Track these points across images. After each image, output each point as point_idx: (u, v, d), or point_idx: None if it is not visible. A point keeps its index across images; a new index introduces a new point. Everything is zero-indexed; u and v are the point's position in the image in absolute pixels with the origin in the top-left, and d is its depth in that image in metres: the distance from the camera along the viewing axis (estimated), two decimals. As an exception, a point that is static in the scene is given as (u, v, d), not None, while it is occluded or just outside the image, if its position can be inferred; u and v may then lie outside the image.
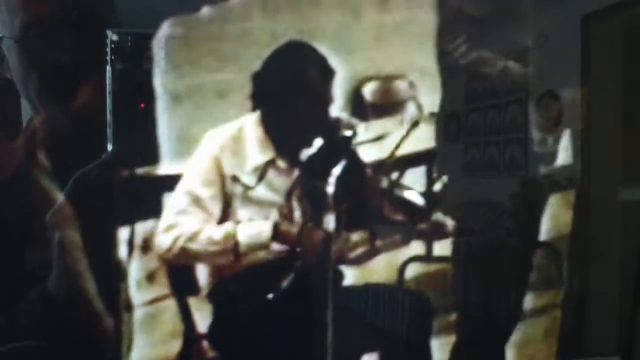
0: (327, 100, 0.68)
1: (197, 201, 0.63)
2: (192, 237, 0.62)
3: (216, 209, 0.64)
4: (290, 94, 0.66)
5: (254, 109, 0.65)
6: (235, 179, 0.64)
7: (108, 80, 0.56)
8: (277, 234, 0.64)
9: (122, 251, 0.57)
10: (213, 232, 0.63)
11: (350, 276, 0.79)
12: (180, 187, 0.60)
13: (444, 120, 0.83)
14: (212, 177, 0.63)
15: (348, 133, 0.70)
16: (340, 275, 0.77)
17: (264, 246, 0.64)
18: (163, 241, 0.60)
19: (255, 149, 0.66)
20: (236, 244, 0.63)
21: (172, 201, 0.61)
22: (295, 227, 0.65)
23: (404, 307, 0.90)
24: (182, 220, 0.62)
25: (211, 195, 0.63)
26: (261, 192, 0.65)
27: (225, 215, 0.65)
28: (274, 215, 0.67)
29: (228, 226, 0.64)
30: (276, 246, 0.64)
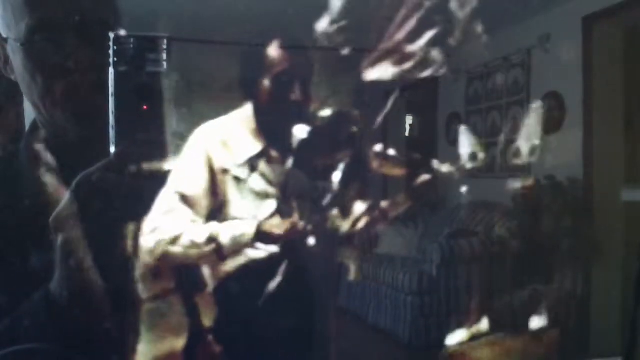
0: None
1: (184, 199, 0.62)
2: (174, 240, 0.61)
3: (206, 204, 0.63)
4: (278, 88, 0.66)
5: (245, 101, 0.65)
6: (226, 172, 0.64)
7: (111, 83, 0.56)
8: (260, 235, 0.63)
9: (128, 250, 0.57)
10: (195, 235, 0.62)
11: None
12: (168, 186, 0.60)
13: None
14: (202, 172, 0.63)
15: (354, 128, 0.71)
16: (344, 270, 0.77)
17: (248, 246, 0.63)
18: (147, 243, 0.59)
19: (247, 141, 0.66)
20: (219, 246, 0.62)
21: (160, 200, 0.60)
22: (279, 226, 0.64)
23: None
24: (167, 221, 0.60)
25: (201, 191, 0.63)
26: (255, 183, 0.65)
27: (221, 208, 0.64)
28: (272, 205, 0.66)
29: (212, 228, 0.62)
30: (261, 246, 0.64)
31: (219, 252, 0.63)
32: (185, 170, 0.63)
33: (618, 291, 2.80)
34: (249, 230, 0.64)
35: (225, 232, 0.64)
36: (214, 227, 0.64)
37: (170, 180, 0.59)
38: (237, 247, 0.63)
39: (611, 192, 3.04)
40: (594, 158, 3.14)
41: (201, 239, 0.63)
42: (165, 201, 0.61)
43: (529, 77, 3.84)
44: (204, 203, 0.65)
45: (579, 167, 3.22)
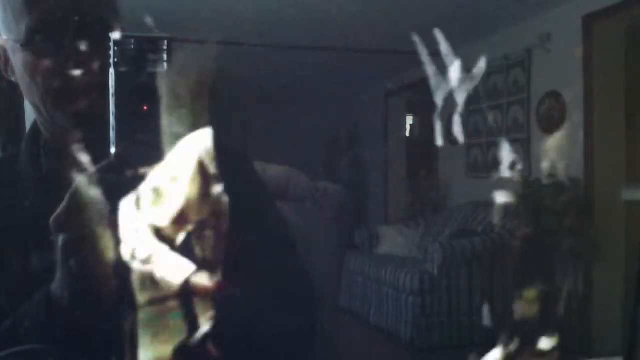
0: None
1: (158, 194, 0.60)
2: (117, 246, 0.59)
3: (185, 212, 0.62)
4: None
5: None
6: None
7: (111, 83, 0.56)
8: (188, 285, 0.61)
9: (126, 252, 0.57)
10: (138, 249, 0.60)
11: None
12: (146, 183, 0.58)
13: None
14: (194, 180, 0.62)
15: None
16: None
17: (174, 285, 0.61)
18: None
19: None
20: (152, 271, 0.61)
21: (131, 195, 0.58)
22: (211, 282, 0.63)
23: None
24: (124, 220, 0.59)
25: (186, 198, 0.61)
26: None
27: (213, 218, 0.63)
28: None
29: (155, 250, 0.60)
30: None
31: (151, 277, 0.62)
32: (173, 174, 0.62)
33: (619, 290, 2.80)
34: (175, 279, 0.62)
35: (162, 263, 0.62)
36: (158, 252, 0.62)
37: (150, 178, 0.58)
38: (166, 282, 0.62)
39: (612, 192, 3.04)
40: (594, 157, 3.14)
41: (141, 255, 0.61)
42: (135, 197, 0.59)
43: (529, 76, 3.84)
44: (183, 210, 0.63)
45: (579, 167, 3.22)
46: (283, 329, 0.68)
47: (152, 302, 0.61)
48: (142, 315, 0.60)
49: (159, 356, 0.61)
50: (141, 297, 0.60)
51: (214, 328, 0.62)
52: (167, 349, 0.62)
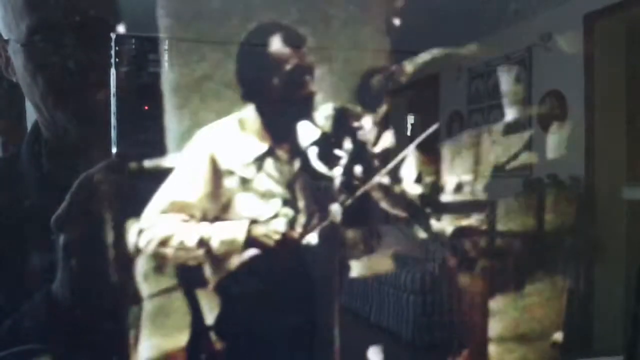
0: (305, 69, 0.67)
1: (178, 202, 0.61)
2: (164, 242, 0.60)
3: (204, 208, 0.63)
4: (271, 78, 0.66)
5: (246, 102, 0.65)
6: (231, 173, 0.63)
7: (112, 83, 0.56)
8: (250, 241, 0.62)
9: (129, 248, 0.57)
10: (186, 237, 0.61)
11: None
12: (166, 186, 0.59)
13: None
14: (205, 176, 0.62)
15: (356, 123, 0.70)
16: (346, 268, 0.76)
17: (238, 252, 0.62)
18: (138, 241, 0.59)
19: (253, 141, 0.65)
20: (210, 249, 0.61)
21: (155, 199, 0.59)
22: (271, 233, 0.64)
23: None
24: (158, 222, 0.59)
25: (200, 195, 0.62)
26: (261, 183, 0.65)
27: (224, 210, 0.64)
28: (277, 205, 0.66)
29: (203, 230, 0.62)
30: (252, 251, 0.63)
31: (209, 255, 0.63)
32: (187, 172, 0.62)
33: (620, 289, 2.80)
34: (240, 235, 0.63)
35: (216, 236, 0.63)
36: (205, 230, 0.63)
37: (171, 179, 0.59)
38: (228, 251, 0.63)
39: (613, 191, 3.03)
40: (595, 156, 3.14)
41: (192, 242, 0.62)
42: (160, 201, 0.60)
43: (530, 75, 3.83)
44: (202, 207, 0.64)
45: (580, 166, 3.22)
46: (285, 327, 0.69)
47: (156, 296, 0.61)
48: (145, 309, 0.60)
49: (161, 350, 0.61)
50: (145, 292, 0.60)
51: (217, 322, 0.62)
52: (170, 343, 0.62)
